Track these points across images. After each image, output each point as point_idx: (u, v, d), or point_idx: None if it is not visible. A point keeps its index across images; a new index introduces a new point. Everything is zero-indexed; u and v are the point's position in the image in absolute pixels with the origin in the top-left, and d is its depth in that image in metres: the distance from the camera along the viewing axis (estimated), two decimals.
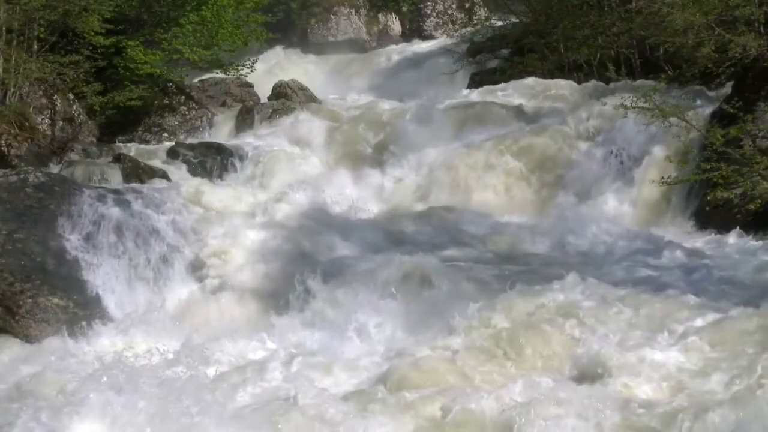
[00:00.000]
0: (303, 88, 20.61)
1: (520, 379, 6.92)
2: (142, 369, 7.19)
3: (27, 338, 9.31)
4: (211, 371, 7.75)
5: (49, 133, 15.72)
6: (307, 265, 10.30)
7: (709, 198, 11.39)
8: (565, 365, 7.39)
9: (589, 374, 7.16)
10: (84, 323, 9.29)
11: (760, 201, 10.85)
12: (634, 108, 11.93)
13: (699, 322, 7.68)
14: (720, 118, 12.27)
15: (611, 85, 15.88)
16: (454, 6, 33.49)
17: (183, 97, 19.05)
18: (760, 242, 10.51)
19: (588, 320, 7.89)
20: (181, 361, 7.62)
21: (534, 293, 8.47)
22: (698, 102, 13.72)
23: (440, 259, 10.06)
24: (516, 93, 17.20)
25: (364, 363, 7.86)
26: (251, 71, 21.17)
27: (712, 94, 14.03)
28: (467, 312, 8.17)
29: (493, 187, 14.03)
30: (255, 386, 7.43)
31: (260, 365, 7.84)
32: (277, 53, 29.06)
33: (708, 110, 13.02)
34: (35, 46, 16.01)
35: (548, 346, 7.63)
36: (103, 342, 8.85)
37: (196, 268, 10.68)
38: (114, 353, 8.11)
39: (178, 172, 14.07)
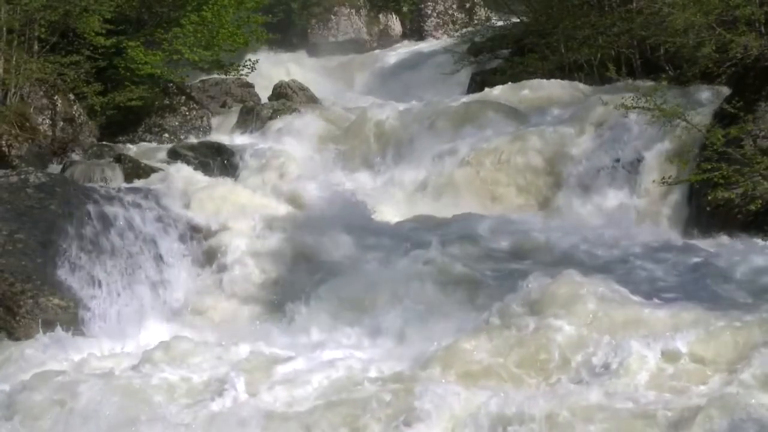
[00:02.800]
0: (303, 89, 20.65)
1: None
2: (105, 384, 7.22)
3: (28, 339, 9.30)
4: (184, 382, 7.59)
5: (49, 133, 15.73)
6: (305, 270, 10.26)
7: (709, 198, 11.37)
8: None
9: None
10: (83, 325, 9.29)
11: (760, 201, 10.85)
12: (634, 108, 11.92)
13: (687, 337, 7.16)
14: (721, 118, 12.26)
15: (612, 85, 15.88)
16: (454, 6, 33.51)
17: (183, 97, 19.06)
18: (761, 243, 10.49)
19: (560, 363, 7.27)
20: (150, 372, 7.63)
21: (512, 318, 7.87)
22: (699, 102, 13.71)
23: (435, 268, 9.85)
24: (516, 94, 17.19)
25: (324, 380, 7.54)
26: (252, 71, 21.18)
27: (712, 94, 14.01)
28: (430, 352, 7.71)
29: (492, 189, 14.03)
30: (202, 407, 7.17)
31: (222, 379, 7.57)
32: (271, 56, 28.81)
33: (709, 110, 13.01)
34: (36, 47, 16.02)
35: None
36: (99, 345, 8.83)
37: (196, 271, 10.68)
38: (90, 360, 8.13)
39: (178, 172, 14.05)
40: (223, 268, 10.73)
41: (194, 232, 11.22)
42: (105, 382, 7.28)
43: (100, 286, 10.04)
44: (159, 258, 10.63)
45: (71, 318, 9.41)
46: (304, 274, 10.15)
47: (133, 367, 7.88)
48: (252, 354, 8.07)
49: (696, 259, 10.05)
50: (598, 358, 7.15)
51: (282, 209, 11.95)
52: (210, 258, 10.91)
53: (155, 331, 9.02)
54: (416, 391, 6.89)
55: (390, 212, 12.76)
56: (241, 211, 11.79)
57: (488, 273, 9.78)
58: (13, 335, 9.30)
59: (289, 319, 9.29)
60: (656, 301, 8.23)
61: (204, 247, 11.01)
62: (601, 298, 7.98)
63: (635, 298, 8.22)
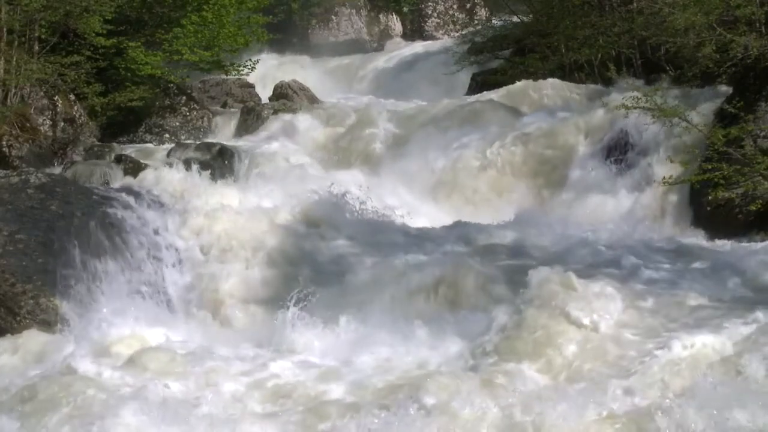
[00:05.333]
0: (304, 89, 20.64)
1: None
2: (83, 399, 7.21)
3: (28, 339, 9.30)
4: (157, 393, 7.51)
5: (50, 134, 15.73)
6: (301, 276, 10.19)
7: (710, 198, 11.39)
8: None
9: None
10: (81, 326, 9.29)
11: (761, 201, 10.86)
12: (635, 108, 11.94)
13: (669, 377, 6.78)
14: (721, 118, 12.27)
15: (612, 85, 15.88)
16: (455, 6, 33.50)
17: (184, 97, 19.06)
18: (761, 243, 10.49)
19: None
20: (128, 381, 7.65)
21: (477, 364, 7.53)
22: (699, 102, 13.70)
23: (433, 272, 9.64)
24: (516, 94, 17.19)
25: (267, 395, 7.48)
26: (252, 71, 21.19)
27: (713, 94, 14.01)
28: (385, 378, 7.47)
29: (493, 189, 14.04)
30: (159, 420, 6.97)
31: (186, 391, 7.58)
32: (271, 57, 28.71)
33: (709, 110, 13.01)
34: (36, 47, 16.02)
35: None
36: (94, 347, 8.81)
37: (197, 272, 10.68)
38: (81, 364, 8.13)
39: (179, 173, 14.04)
40: (224, 269, 10.70)
41: (195, 232, 11.22)
42: (83, 396, 7.30)
43: (99, 287, 10.03)
44: (158, 261, 10.62)
45: (70, 319, 9.42)
46: (301, 280, 10.04)
47: (116, 373, 7.90)
48: (223, 361, 8.07)
49: (696, 260, 10.01)
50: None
51: (282, 209, 11.91)
52: (212, 259, 10.90)
53: (150, 334, 8.99)
54: (348, 419, 6.52)
55: (389, 215, 12.73)
56: (241, 212, 11.76)
57: (487, 278, 9.67)
58: (14, 335, 9.31)
59: (281, 324, 9.15)
60: (645, 316, 7.91)
61: (205, 248, 11.02)
62: (576, 333, 7.52)
63: (621, 319, 7.81)
